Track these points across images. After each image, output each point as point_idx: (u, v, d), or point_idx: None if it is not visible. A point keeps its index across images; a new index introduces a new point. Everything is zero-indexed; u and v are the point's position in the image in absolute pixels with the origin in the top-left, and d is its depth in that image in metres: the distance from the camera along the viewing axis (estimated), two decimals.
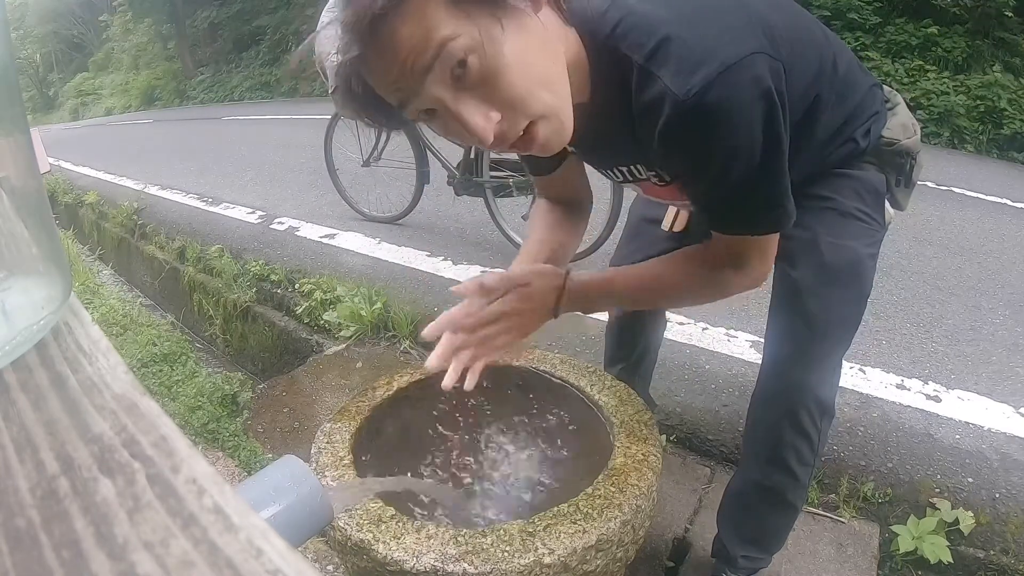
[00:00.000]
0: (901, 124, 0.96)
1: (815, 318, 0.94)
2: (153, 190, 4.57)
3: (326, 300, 2.46)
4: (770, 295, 1.01)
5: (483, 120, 0.66)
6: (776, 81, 0.69)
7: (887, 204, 0.98)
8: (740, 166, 0.72)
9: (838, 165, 0.94)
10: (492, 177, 2.70)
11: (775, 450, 1.02)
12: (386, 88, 0.67)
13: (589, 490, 0.93)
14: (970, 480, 1.48)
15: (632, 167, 0.89)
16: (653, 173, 0.88)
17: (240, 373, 2.52)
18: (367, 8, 0.60)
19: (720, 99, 0.67)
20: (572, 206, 1.08)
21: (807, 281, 0.94)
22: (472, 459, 1.17)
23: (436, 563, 0.81)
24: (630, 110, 0.74)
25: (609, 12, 0.72)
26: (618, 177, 0.95)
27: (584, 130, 0.85)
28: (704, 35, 0.69)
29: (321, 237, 3.21)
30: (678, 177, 0.84)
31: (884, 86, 0.99)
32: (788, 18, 0.82)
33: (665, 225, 1.18)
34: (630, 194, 1.27)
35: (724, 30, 0.70)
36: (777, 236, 0.83)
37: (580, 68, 0.74)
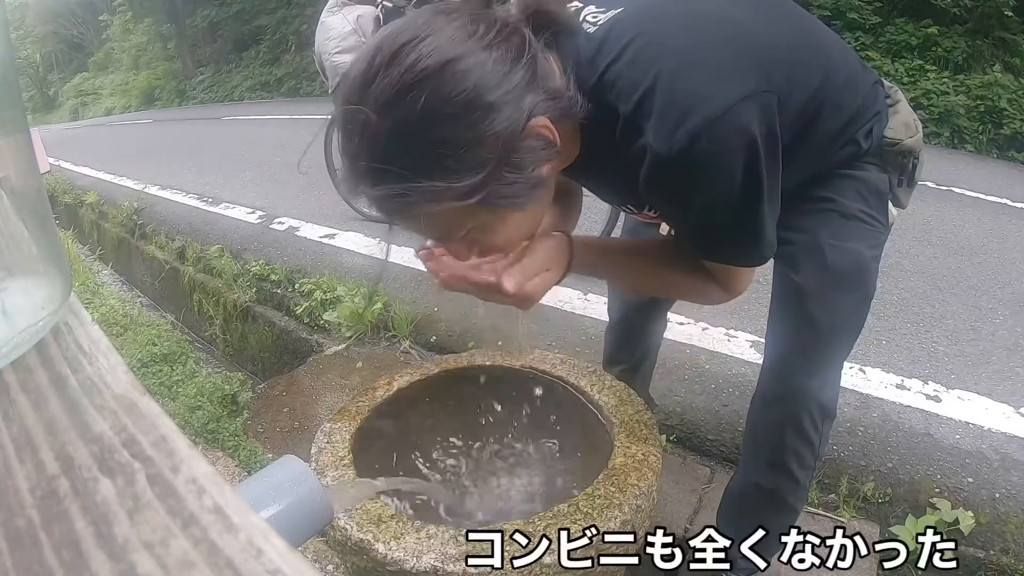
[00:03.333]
0: (903, 122, 0.95)
1: (818, 322, 0.93)
2: (153, 190, 4.57)
3: (326, 300, 2.46)
4: (770, 296, 1.01)
5: (466, 255, 0.77)
6: (766, 121, 0.69)
7: (889, 204, 0.98)
8: (720, 211, 0.74)
9: (840, 166, 0.94)
10: None
11: (776, 453, 1.02)
12: None
13: (589, 490, 0.93)
14: (970, 480, 1.48)
15: (626, 206, 0.93)
16: (646, 208, 0.90)
17: (240, 373, 2.52)
18: (378, 214, 0.69)
19: (702, 154, 0.68)
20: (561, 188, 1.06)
21: (810, 285, 0.93)
22: (472, 459, 1.18)
23: (436, 563, 0.81)
24: (616, 157, 0.75)
25: (597, 58, 0.72)
26: (620, 209, 0.98)
27: (576, 176, 0.88)
28: (690, 82, 0.68)
29: (321, 237, 3.21)
30: (663, 215, 0.87)
31: (885, 82, 0.98)
32: (791, 31, 0.82)
33: (663, 230, 1.18)
34: None
35: (712, 74, 0.69)
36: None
37: (571, 138, 0.75)
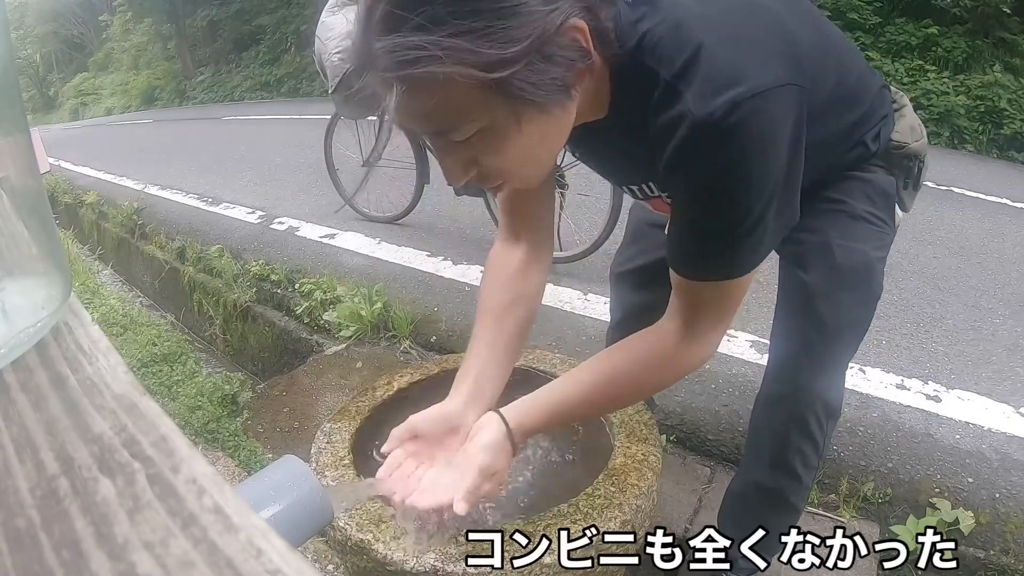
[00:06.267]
0: (909, 126, 0.96)
1: (826, 322, 0.93)
2: (153, 190, 4.57)
3: (326, 300, 2.46)
4: (776, 296, 1.01)
5: (461, 174, 0.69)
6: (800, 112, 0.68)
7: (895, 206, 0.98)
8: (742, 197, 0.69)
9: (848, 168, 0.94)
10: None
11: (780, 453, 1.02)
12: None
13: (589, 490, 0.93)
14: (970, 480, 1.48)
15: (644, 185, 0.87)
16: (666, 192, 0.85)
17: (240, 373, 2.52)
18: (386, 73, 0.59)
19: (740, 125, 0.64)
20: (532, 245, 0.98)
21: (818, 284, 0.93)
22: None
23: (436, 563, 0.81)
24: (647, 126, 0.71)
25: (641, 23, 0.69)
26: (630, 192, 0.93)
27: (597, 143, 0.84)
28: (736, 56, 0.66)
29: (321, 237, 3.21)
30: (674, 200, 0.79)
31: (891, 86, 0.98)
32: (813, 30, 0.81)
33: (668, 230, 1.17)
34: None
35: (757, 54, 0.67)
36: (740, 295, 0.79)
37: (602, 86, 0.72)
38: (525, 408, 0.84)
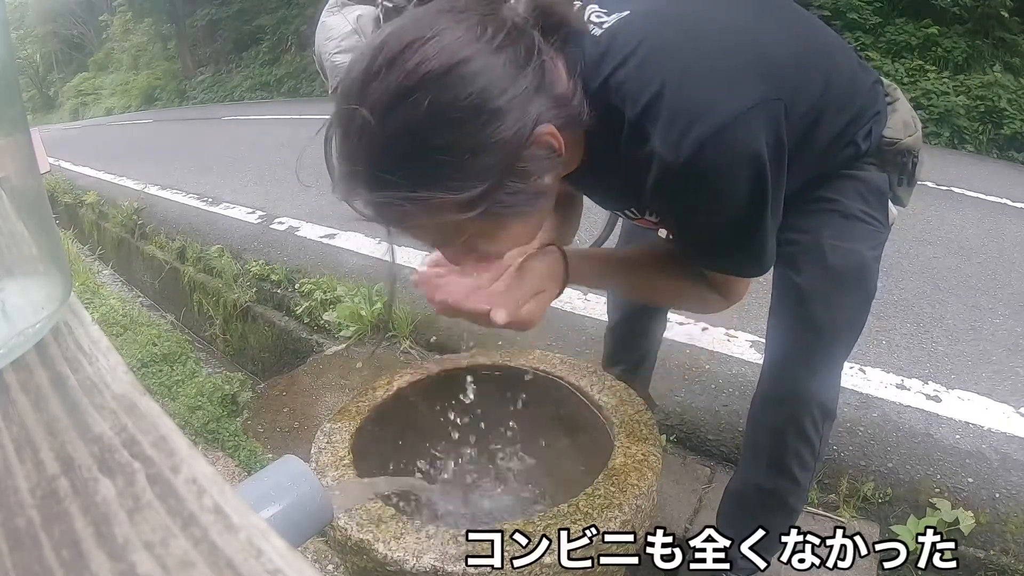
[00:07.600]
0: (902, 121, 0.95)
1: (820, 323, 0.93)
2: (153, 190, 4.57)
3: (326, 300, 2.46)
4: (771, 296, 1.01)
5: (462, 259, 0.76)
6: (774, 130, 0.69)
7: (890, 204, 0.98)
8: (724, 221, 0.74)
9: (840, 167, 0.93)
10: None
11: (777, 455, 1.02)
12: None
13: (589, 490, 0.93)
14: (970, 480, 1.48)
15: (627, 211, 0.92)
16: (646, 214, 0.90)
17: (240, 373, 2.52)
18: (374, 219, 0.66)
19: (710, 163, 0.66)
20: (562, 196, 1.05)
21: (812, 286, 0.93)
22: (472, 459, 1.18)
23: (436, 563, 0.81)
24: (620, 162, 0.73)
25: (602, 62, 0.70)
26: (618, 215, 0.98)
27: (578, 178, 0.86)
28: (699, 88, 0.67)
29: (321, 237, 3.21)
30: (665, 223, 0.87)
31: (884, 80, 0.98)
32: (795, 36, 0.81)
33: (662, 232, 1.18)
34: None
35: (721, 82, 0.68)
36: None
37: (576, 145, 0.74)
38: (584, 254, 0.90)
